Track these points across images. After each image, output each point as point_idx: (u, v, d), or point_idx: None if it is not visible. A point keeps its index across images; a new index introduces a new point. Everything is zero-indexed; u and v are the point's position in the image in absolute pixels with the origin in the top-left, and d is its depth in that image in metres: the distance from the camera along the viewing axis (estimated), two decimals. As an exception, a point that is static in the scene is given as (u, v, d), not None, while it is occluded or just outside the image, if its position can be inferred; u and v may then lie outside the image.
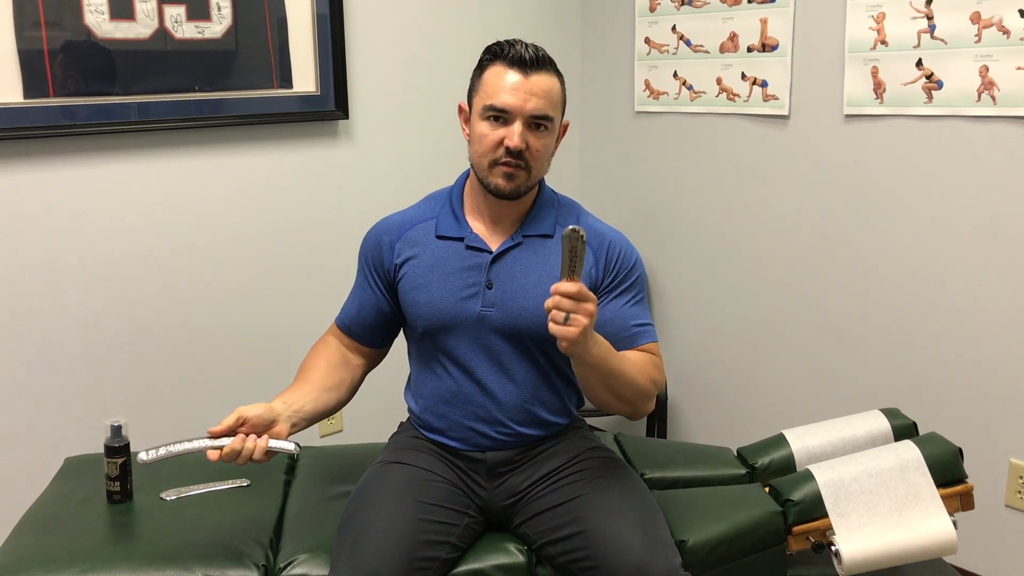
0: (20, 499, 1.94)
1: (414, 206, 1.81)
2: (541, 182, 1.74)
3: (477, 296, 1.68)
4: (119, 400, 2.43)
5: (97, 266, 2.37)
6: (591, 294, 1.45)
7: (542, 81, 1.62)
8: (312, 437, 2.81)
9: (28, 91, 2.18)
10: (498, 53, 1.64)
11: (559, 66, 1.68)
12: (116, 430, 1.77)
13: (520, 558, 1.64)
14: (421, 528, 1.54)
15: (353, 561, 1.46)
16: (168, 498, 1.79)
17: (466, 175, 1.77)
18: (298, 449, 1.61)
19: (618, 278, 1.72)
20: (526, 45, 1.63)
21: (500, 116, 1.61)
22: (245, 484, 1.87)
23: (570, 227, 1.39)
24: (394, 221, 1.78)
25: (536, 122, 1.62)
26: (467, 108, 1.71)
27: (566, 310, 1.43)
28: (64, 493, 1.83)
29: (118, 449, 1.76)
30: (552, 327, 1.45)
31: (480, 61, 1.68)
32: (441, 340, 1.70)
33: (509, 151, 1.61)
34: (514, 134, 1.60)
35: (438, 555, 1.53)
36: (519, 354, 1.70)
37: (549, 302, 1.44)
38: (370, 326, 1.81)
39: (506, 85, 1.61)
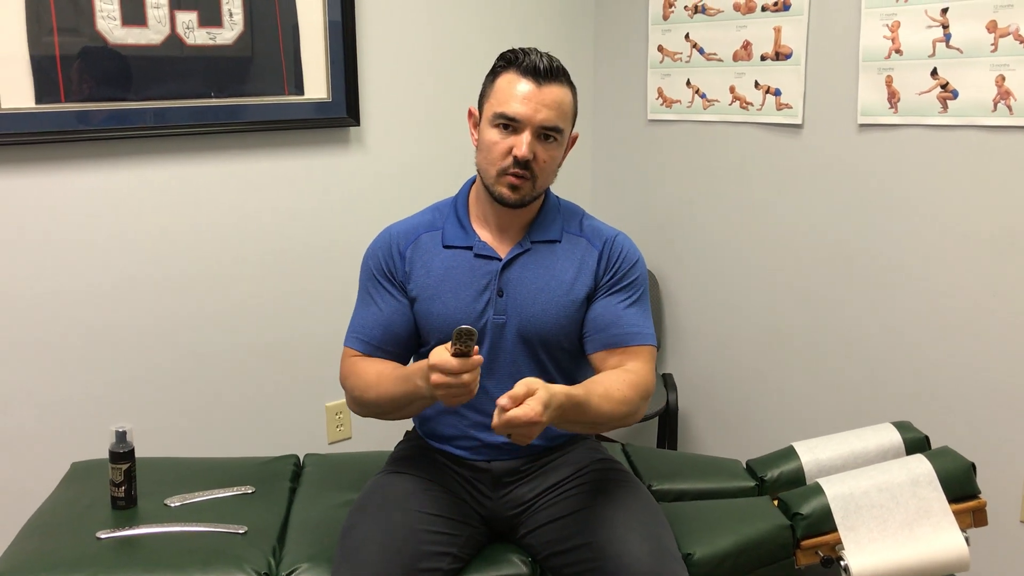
0: (26, 503, 1.94)
1: (418, 215, 1.79)
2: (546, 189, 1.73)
3: (489, 305, 1.67)
4: (127, 406, 2.44)
5: (107, 271, 2.37)
6: (519, 396, 1.38)
7: (554, 92, 1.61)
8: (321, 444, 2.80)
9: (40, 96, 2.19)
10: (512, 61, 1.62)
11: (572, 74, 1.67)
12: (121, 436, 1.77)
13: (524, 569, 1.62)
14: (422, 539, 1.53)
15: (353, 571, 1.45)
16: (172, 504, 1.79)
17: (471, 183, 1.76)
18: None
19: (617, 275, 1.71)
20: (540, 54, 1.61)
21: (510, 125, 1.60)
22: (250, 491, 1.86)
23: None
24: (401, 229, 1.76)
25: (545, 133, 1.61)
26: (477, 113, 1.69)
27: (507, 429, 1.39)
28: (69, 498, 1.83)
29: (123, 455, 1.76)
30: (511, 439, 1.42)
31: (493, 67, 1.67)
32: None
33: (517, 161, 1.60)
34: (522, 143, 1.59)
35: (439, 566, 1.52)
36: (529, 361, 1.69)
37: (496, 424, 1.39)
38: (403, 338, 1.70)
39: (518, 94, 1.59)
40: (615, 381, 1.59)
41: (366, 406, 1.66)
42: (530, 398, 1.38)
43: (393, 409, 1.61)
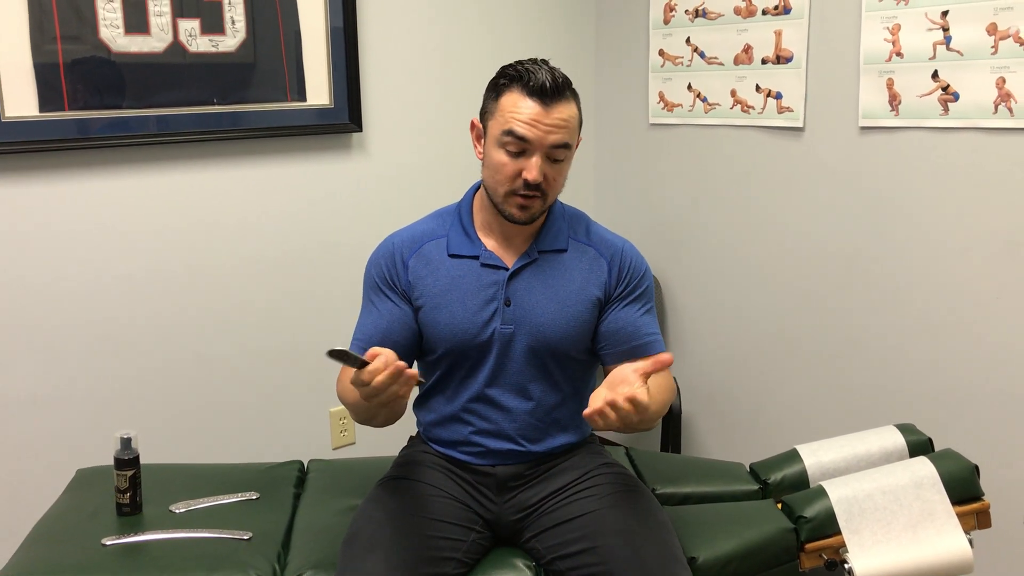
0: (32, 509, 1.94)
1: (421, 221, 1.78)
2: None
3: (497, 314, 1.67)
4: (132, 412, 2.44)
5: (111, 278, 2.38)
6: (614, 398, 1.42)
7: (562, 111, 1.57)
8: (325, 450, 2.81)
9: (43, 105, 2.20)
10: (516, 78, 1.58)
11: (573, 79, 1.64)
12: (126, 442, 1.77)
13: (529, 574, 1.62)
14: (426, 544, 1.53)
15: (357, 577, 1.45)
16: (177, 511, 1.79)
17: (474, 189, 1.75)
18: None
19: (630, 287, 1.71)
20: (545, 70, 1.57)
21: (519, 146, 1.58)
22: (255, 497, 1.86)
23: None
24: (405, 237, 1.75)
25: (555, 152, 1.59)
26: (480, 126, 1.67)
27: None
28: (75, 504, 1.84)
29: (128, 461, 1.76)
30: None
31: (496, 83, 1.62)
32: (459, 358, 1.69)
33: (527, 184, 1.58)
34: (533, 168, 1.57)
35: (444, 571, 1.52)
36: (536, 371, 1.69)
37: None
38: (401, 345, 1.66)
39: (525, 116, 1.56)
40: (654, 383, 1.56)
41: (347, 409, 1.65)
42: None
43: (358, 414, 1.60)
